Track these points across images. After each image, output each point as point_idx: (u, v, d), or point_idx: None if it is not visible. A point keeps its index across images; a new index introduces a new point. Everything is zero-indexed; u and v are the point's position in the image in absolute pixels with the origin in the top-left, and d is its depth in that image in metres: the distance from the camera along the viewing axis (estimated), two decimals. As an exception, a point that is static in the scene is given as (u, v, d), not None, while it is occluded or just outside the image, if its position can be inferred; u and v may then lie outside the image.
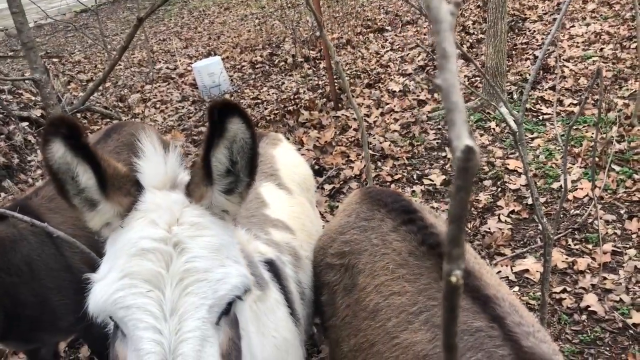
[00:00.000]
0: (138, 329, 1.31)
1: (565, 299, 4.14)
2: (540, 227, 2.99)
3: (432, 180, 5.88)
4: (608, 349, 3.73)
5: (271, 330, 2.03)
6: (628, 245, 4.57)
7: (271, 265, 2.16)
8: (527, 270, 4.42)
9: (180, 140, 7.47)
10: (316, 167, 6.31)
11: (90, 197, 1.45)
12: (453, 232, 0.53)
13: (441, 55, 0.54)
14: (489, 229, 5.00)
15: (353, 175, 6.16)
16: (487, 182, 5.71)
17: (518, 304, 2.02)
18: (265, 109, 8.37)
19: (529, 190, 5.25)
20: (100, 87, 9.21)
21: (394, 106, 7.74)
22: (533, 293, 4.23)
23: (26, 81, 7.28)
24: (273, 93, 9.17)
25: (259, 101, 8.82)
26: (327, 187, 6.01)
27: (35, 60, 4.07)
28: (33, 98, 8.09)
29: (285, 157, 2.96)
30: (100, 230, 1.52)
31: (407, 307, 2.09)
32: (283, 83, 9.62)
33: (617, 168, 5.46)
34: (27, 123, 7.24)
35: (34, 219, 2.57)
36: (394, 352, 2.02)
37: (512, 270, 4.49)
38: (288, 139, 6.90)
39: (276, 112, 8.06)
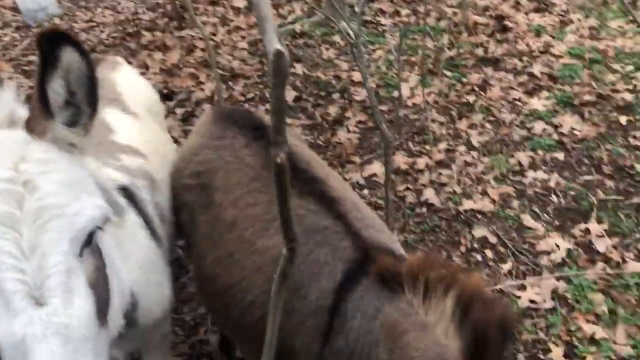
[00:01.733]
0: (0, 270, 1.28)
1: (407, 195, 4.60)
2: (387, 136, 3.25)
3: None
4: (444, 233, 4.27)
5: (134, 253, 2.07)
6: (459, 143, 5.12)
7: (126, 191, 2.16)
8: (374, 174, 4.81)
9: (8, 72, 6.74)
10: (165, 91, 6.09)
11: None
12: (275, 122, 0.62)
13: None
14: (339, 139, 5.29)
15: (205, 97, 6.07)
16: (336, 95, 5.96)
17: (360, 203, 2.26)
18: (102, 32, 7.77)
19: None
20: None
21: (241, 23, 7.60)
22: (380, 194, 4.63)
23: None
24: (109, 14, 8.49)
25: (93, 24, 8.14)
26: (179, 111, 5.87)
27: None
28: None
29: (127, 81, 2.86)
30: None
31: (262, 216, 2.23)
32: (119, 3, 8.92)
33: (449, 74, 5.98)
34: None
35: None
36: (252, 258, 2.18)
37: (361, 175, 4.85)
38: (130, 63, 6.53)
39: (115, 35, 7.53)
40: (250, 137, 2.51)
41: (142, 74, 6.30)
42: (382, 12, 7.46)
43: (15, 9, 9.05)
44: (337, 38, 6.95)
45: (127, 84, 2.84)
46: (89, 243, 1.48)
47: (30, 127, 1.46)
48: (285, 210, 0.70)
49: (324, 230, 2.04)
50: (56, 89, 1.42)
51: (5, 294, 1.27)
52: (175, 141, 4.29)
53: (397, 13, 7.27)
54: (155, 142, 2.67)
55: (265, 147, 2.44)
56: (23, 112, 1.49)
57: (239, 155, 2.48)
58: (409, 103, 5.59)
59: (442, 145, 5.05)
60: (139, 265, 2.06)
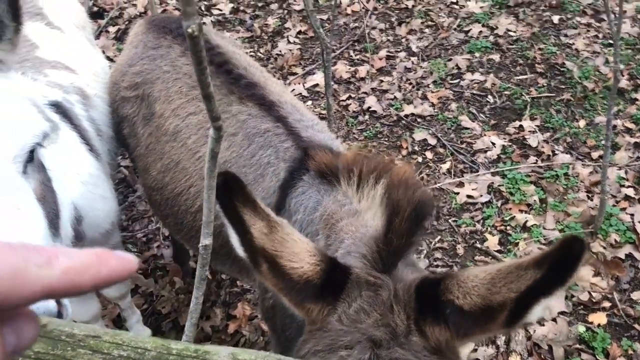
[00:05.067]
0: None
1: (350, 104, 4.66)
2: (325, 41, 3.24)
3: (222, 10, 5.81)
4: (386, 139, 4.39)
5: (73, 168, 2.07)
6: (399, 49, 5.16)
7: (58, 107, 2.12)
8: (317, 85, 4.82)
9: None
10: (95, 8, 5.79)
11: None
12: None
13: None
14: (280, 51, 5.23)
15: (138, 14, 5.80)
16: (274, 6, 5.81)
17: (300, 105, 2.30)
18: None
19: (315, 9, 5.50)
20: None
21: None
22: (324, 104, 4.67)
23: None
24: None
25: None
26: (112, 29, 5.62)
27: None
28: None
29: (49, -7, 2.71)
30: None
31: (204, 123, 2.25)
32: None
33: (387, -21, 5.89)
34: None
35: None
36: (198, 165, 2.21)
37: (304, 86, 4.86)
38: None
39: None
40: (186, 46, 2.47)
41: (67, -10, 5.94)
42: None
43: None
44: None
45: (50, -4, 2.70)
46: (32, 160, 1.49)
47: None
48: (205, 86, 0.73)
49: (266, 132, 2.08)
50: None
51: None
52: (111, 61, 4.14)
53: None
54: (84, 57, 2.59)
55: (201, 55, 2.42)
56: None
57: (176, 64, 2.44)
58: (349, 11, 5.53)
59: (383, 53, 5.08)
60: (80, 179, 2.07)
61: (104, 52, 5.12)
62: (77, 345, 0.84)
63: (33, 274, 0.43)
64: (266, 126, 2.10)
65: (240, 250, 1.16)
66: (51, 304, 1.31)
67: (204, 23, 5.59)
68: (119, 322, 3.29)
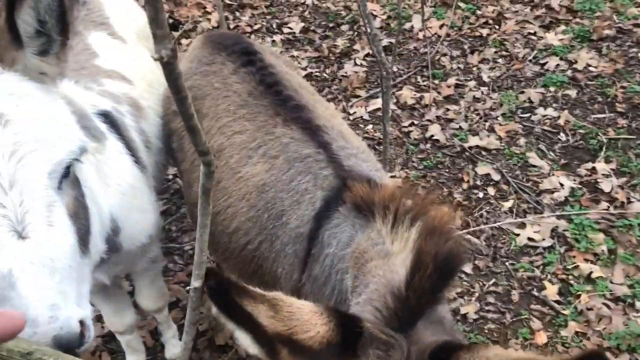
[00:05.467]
0: None
1: (412, 131, 4.51)
2: (385, 65, 3.15)
3: (292, 29, 5.83)
4: (447, 170, 4.21)
5: (114, 178, 2.06)
6: (469, 78, 4.97)
7: (107, 117, 2.13)
8: (379, 109, 4.70)
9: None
10: (170, 21, 5.97)
11: None
12: (150, 13, 0.57)
13: None
14: (346, 72, 5.16)
15: (211, 28, 5.93)
16: (345, 27, 5.77)
17: (347, 132, 2.20)
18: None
19: (383, 32, 5.42)
20: None
21: (250, -49, 7.31)
22: (384, 129, 4.56)
23: None
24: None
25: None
26: (185, 42, 5.76)
27: None
28: None
29: (116, 4, 2.77)
30: None
31: (247, 143, 2.20)
32: None
33: (463, 5, 5.73)
34: None
35: None
36: (238, 186, 2.16)
37: (366, 110, 4.76)
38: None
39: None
40: (239, 63, 2.44)
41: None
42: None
43: None
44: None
45: (117, 8, 2.76)
46: (67, 175, 1.48)
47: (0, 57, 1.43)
48: (188, 117, 0.65)
49: (306, 158, 2.00)
50: (25, 19, 1.39)
51: None
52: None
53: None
54: (143, 68, 2.62)
55: (253, 74, 2.38)
56: None
57: (227, 82, 2.42)
58: (420, 35, 5.40)
59: (452, 80, 4.91)
60: (120, 190, 2.06)
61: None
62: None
63: None
64: (308, 151, 2.02)
65: (254, 349, 1.07)
66: (74, 323, 1.28)
67: (274, 40, 5.63)
68: (157, 334, 3.28)
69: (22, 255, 1.28)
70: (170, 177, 4.21)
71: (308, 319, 1.04)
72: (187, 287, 3.51)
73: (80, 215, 1.55)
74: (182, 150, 2.51)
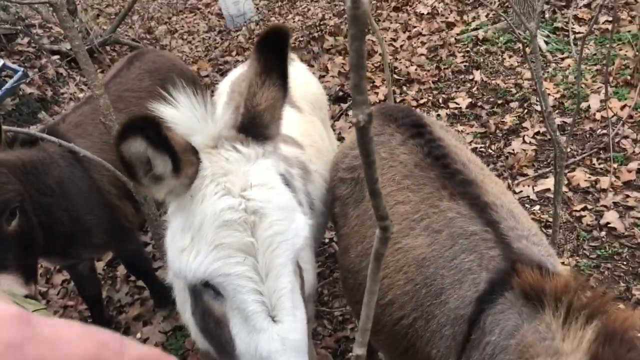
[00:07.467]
0: (241, 293, 1.42)
1: (585, 216, 4.15)
2: (560, 144, 2.97)
3: (458, 104, 5.82)
4: (625, 263, 3.77)
5: None
6: (655, 164, 4.49)
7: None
8: (548, 190, 4.43)
9: (207, 71, 7.52)
10: (340, 93, 6.30)
11: (161, 175, 1.46)
12: (354, 80, 0.58)
13: None
14: (513, 150, 4.97)
15: (377, 101, 6.14)
16: (514, 104, 5.62)
17: (517, 211, 2.07)
18: (291, 36, 8.29)
19: (556, 110, 5.17)
20: (128, 20, 9.22)
21: (422, 29, 7.55)
22: (552, 212, 4.25)
23: (48, 7, 7.35)
24: (298, 20, 9.03)
25: (284, 29, 8.73)
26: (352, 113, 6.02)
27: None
28: (62, 32, 8.20)
29: (296, 75, 2.99)
30: (164, 197, 1.56)
31: (410, 214, 2.17)
32: (309, 9, 9.45)
33: (650, 86, 5.27)
34: (57, 56, 7.39)
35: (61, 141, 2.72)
36: (395, 257, 2.12)
37: (533, 190, 4.50)
38: (312, 66, 6.87)
39: (301, 38, 7.98)
40: (407, 135, 2.46)
41: (322, 76, 6.61)
42: (578, 19, 6.85)
43: (220, 15, 10.09)
44: (521, 46, 6.55)
45: (296, 79, 2.97)
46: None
47: (265, 135, 1.66)
48: (372, 181, 0.65)
49: (472, 235, 1.91)
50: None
51: (247, 314, 1.43)
52: (342, 142, 4.38)
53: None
54: (314, 135, 2.75)
55: (421, 146, 2.38)
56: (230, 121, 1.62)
57: (394, 152, 2.44)
58: (597, 116, 5.05)
59: (633, 165, 4.47)
60: None
61: (339, 133, 5.50)
62: None
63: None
64: (474, 228, 1.93)
65: None
66: None
67: (439, 115, 5.64)
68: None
69: (277, 339, 1.39)
70: (327, 240, 4.31)
71: None
72: (350, 354, 3.49)
73: (302, 290, 1.66)
74: (345, 216, 2.56)
